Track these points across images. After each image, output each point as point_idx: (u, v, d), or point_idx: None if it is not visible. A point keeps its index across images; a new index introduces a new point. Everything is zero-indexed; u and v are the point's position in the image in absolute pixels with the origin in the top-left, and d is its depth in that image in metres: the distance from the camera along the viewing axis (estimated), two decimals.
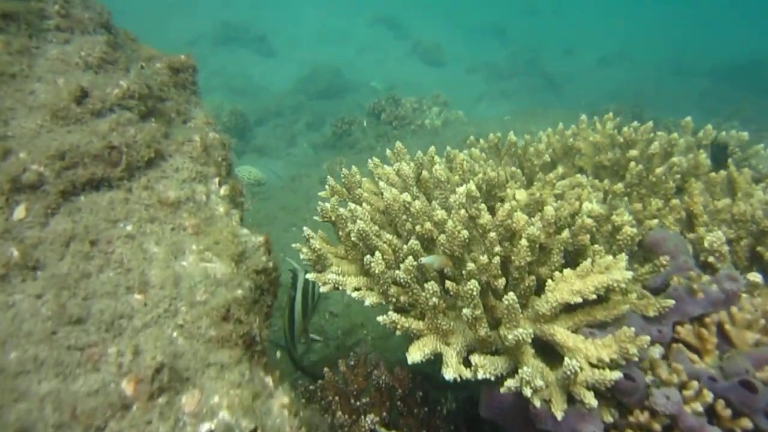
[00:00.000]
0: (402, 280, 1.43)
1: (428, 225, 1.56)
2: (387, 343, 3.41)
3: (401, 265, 1.44)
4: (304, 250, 1.76)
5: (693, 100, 8.51)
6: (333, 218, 1.88)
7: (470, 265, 1.38)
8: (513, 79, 10.03)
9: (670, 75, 10.70)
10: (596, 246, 1.49)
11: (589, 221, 1.52)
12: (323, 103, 7.55)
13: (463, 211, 1.57)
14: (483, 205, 1.63)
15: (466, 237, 1.45)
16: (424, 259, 1.50)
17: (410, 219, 1.61)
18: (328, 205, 1.91)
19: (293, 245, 1.87)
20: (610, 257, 1.33)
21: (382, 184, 1.77)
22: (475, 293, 1.30)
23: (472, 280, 1.30)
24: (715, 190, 1.86)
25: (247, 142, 6.23)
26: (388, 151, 2.12)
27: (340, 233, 1.83)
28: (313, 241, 1.72)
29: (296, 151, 6.04)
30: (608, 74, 11.02)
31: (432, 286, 1.36)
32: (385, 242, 1.62)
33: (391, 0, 15.98)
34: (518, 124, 4.37)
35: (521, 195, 1.88)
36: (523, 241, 1.38)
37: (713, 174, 1.88)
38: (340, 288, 1.61)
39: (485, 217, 1.53)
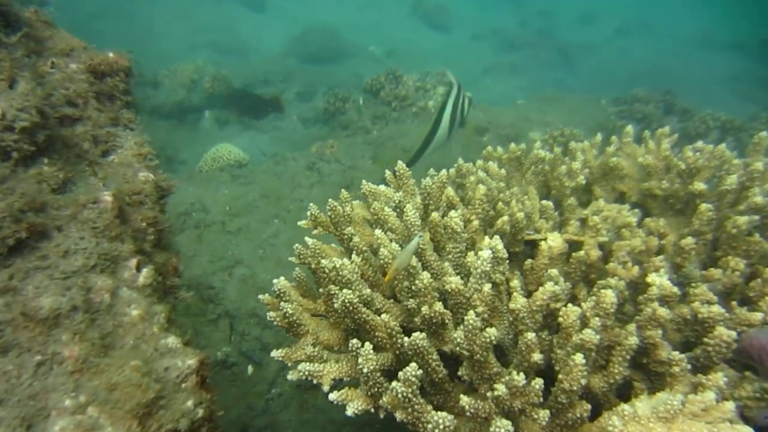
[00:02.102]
0: (401, 394, 1.02)
1: (438, 306, 1.14)
2: None
3: (400, 374, 1.02)
4: (271, 314, 1.34)
5: (723, 81, 7.82)
6: (313, 266, 1.46)
7: (500, 389, 0.97)
8: (523, 51, 9.31)
9: (696, 50, 9.95)
10: (676, 353, 1.07)
11: (663, 313, 1.10)
12: (316, 69, 6.94)
13: (487, 288, 1.15)
14: (516, 281, 1.21)
15: (492, 339, 1.03)
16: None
17: (413, 289, 1.19)
18: (310, 243, 1.49)
19: (260, 298, 1.45)
20: (711, 394, 0.92)
21: (378, 232, 1.34)
22: None
23: (503, 421, 0.89)
24: None
25: (231, 111, 5.70)
26: (387, 173, 1.68)
27: (321, 290, 1.41)
28: (286, 304, 1.29)
29: (284, 124, 5.51)
30: (627, 47, 10.22)
31: (444, 420, 0.95)
32: (379, 323, 1.20)
33: None
34: (533, 113, 3.89)
35: (556, 240, 1.46)
36: (578, 358, 0.97)
37: None
38: (315, 381, 1.20)
39: (519, 301, 1.11)
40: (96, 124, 1.11)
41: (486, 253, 1.17)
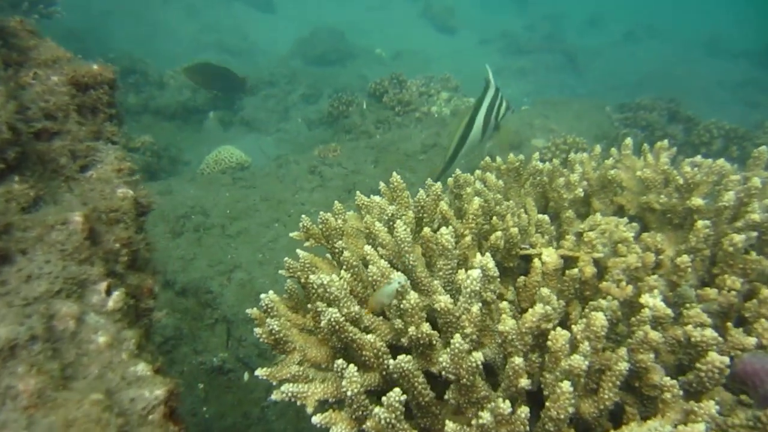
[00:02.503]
0: (384, 420, 0.99)
1: (425, 328, 1.11)
2: None
3: (383, 399, 0.99)
4: (258, 330, 1.32)
5: (730, 87, 7.70)
6: (302, 281, 1.44)
7: (485, 417, 0.94)
8: (530, 55, 9.23)
9: (704, 56, 9.84)
10: (667, 379, 1.04)
11: (655, 336, 1.07)
12: (322, 71, 6.92)
13: (476, 309, 1.11)
14: (505, 303, 1.17)
15: (479, 363, 1.00)
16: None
17: (401, 308, 1.16)
18: (301, 256, 1.47)
19: (247, 312, 1.42)
20: (701, 426, 0.88)
21: (367, 248, 1.31)
22: None
23: None
24: None
25: (236, 113, 5.66)
26: (381, 185, 1.65)
27: (309, 305, 1.38)
28: (272, 321, 1.27)
29: (289, 126, 5.49)
30: (635, 52, 10.10)
31: None
32: (366, 342, 1.16)
33: None
34: (537, 119, 3.84)
35: (551, 256, 1.42)
36: (565, 386, 0.93)
37: None
38: (299, 402, 1.17)
39: (508, 323, 1.08)
40: (75, 138, 1.08)
41: (476, 273, 1.14)
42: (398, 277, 1.16)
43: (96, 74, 1.19)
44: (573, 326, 1.11)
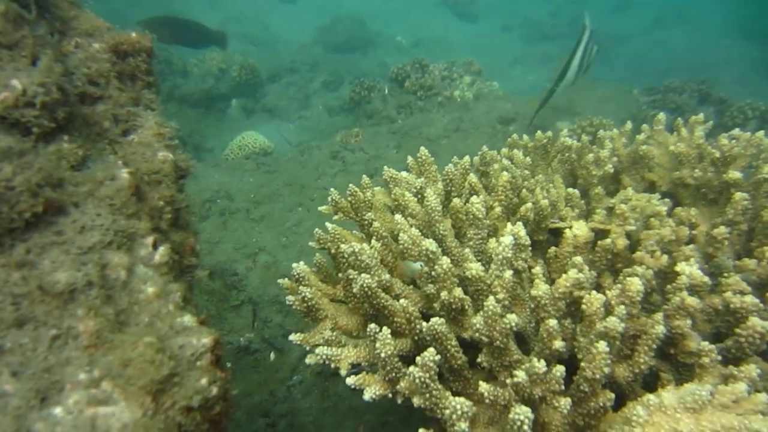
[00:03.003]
0: (418, 380, 1.00)
1: (458, 292, 1.12)
2: None
3: (417, 359, 1.00)
4: (290, 298, 1.34)
5: (763, 71, 7.52)
6: (332, 251, 1.45)
7: (519, 376, 0.94)
8: (554, 42, 9.13)
9: (735, 39, 9.55)
10: (705, 344, 1.03)
11: (692, 302, 1.06)
12: (343, 59, 6.92)
13: (508, 275, 1.12)
14: (538, 268, 1.17)
15: (513, 325, 1.00)
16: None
17: (433, 275, 1.16)
18: (330, 228, 1.48)
19: (279, 282, 1.44)
20: (742, 385, 0.88)
21: (398, 217, 1.32)
22: (525, 427, 0.87)
23: (523, 408, 0.86)
24: None
25: (258, 100, 5.71)
26: (409, 159, 1.66)
27: (340, 275, 1.40)
28: (305, 288, 1.29)
29: (310, 113, 5.52)
30: (664, 38, 9.88)
31: (462, 405, 0.93)
32: (397, 308, 1.18)
33: None
34: (562, 102, 3.80)
35: (581, 229, 1.41)
36: (601, 345, 0.93)
37: None
38: (333, 365, 1.19)
39: (541, 288, 1.08)
40: (117, 103, 1.11)
41: (508, 240, 1.14)
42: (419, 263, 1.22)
43: (134, 42, 1.21)
44: (607, 291, 1.11)
